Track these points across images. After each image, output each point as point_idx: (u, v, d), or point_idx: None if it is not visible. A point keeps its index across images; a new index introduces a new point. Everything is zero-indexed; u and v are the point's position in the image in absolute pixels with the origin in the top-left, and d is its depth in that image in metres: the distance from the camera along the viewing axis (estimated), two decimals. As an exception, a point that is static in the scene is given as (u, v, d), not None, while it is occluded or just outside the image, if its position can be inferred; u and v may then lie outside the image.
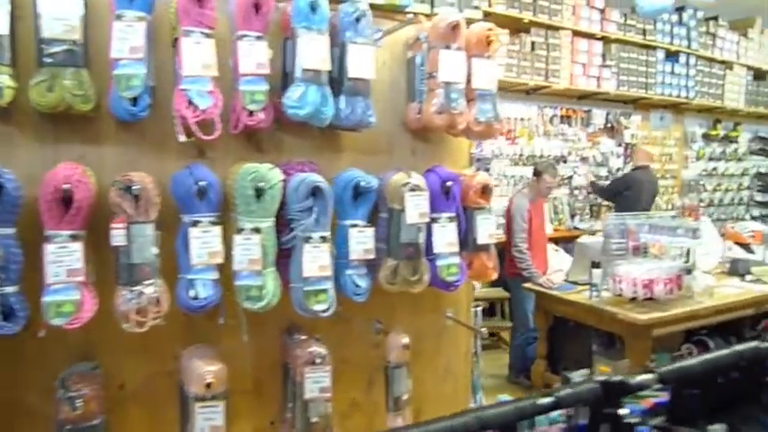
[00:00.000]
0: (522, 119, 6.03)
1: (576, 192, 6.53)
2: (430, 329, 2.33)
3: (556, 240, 5.59)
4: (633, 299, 3.40)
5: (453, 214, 2.02)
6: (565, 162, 6.42)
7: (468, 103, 2.06)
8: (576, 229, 6.42)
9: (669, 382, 1.12)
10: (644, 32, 6.66)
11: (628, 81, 6.55)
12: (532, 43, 5.64)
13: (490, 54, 2.08)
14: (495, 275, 2.20)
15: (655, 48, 6.83)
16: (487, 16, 5.34)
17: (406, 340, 1.99)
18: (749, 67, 8.36)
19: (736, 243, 4.29)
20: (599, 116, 6.68)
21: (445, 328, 2.36)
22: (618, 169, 7.04)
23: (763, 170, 9.48)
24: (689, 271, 3.46)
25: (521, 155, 6.02)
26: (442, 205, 2.00)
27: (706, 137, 8.51)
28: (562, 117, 6.42)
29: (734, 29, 8.23)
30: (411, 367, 2.04)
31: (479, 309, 2.64)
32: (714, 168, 8.73)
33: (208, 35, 1.56)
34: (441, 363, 2.37)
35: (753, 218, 9.23)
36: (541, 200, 4.62)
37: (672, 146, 7.98)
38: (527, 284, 4.24)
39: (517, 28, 5.61)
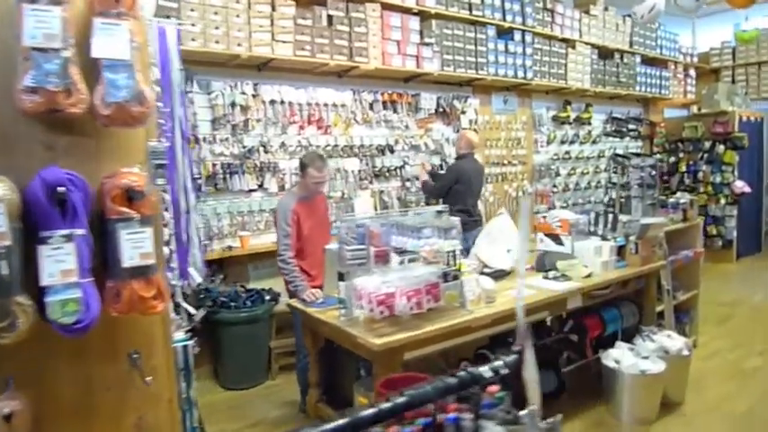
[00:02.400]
0: (335, 105, 5.62)
1: (408, 184, 6.26)
2: (108, 378, 1.92)
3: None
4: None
5: (75, 231, 1.60)
6: (392, 152, 6.12)
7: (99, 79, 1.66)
8: (408, 225, 6.11)
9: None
10: (469, 7, 6.44)
11: (454, 61, 6.28)
12: (329, 17, 5.23)
13: (122, 11, 1.68)
14: (160, 306, 1.79)
15: (484, 24, 6.64)
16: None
17: (6, 410, 1.55)
18: (593, 46, 8.53)
19: (547, 235, 4.12)
20: (429, 100, 6.42)
21: (135, 374, 1.98)
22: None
23: (619, 151, 9.87)
24: (455, 277, 3.03)
25: (335, 146, 5.62)
26: (55, 220, 1.57)
27: (556, 119, 8.66)
28: (385, 102, 6.06)
29: (577, 6, 8.38)
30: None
31: (191, 343, 2.24)
32: (567, 152, 8.93)
33: None
34: (129, 420, 1.98)
35: (611, 200, 9.63)
36: (320, 197, 4.22)
37: (519, 130, 8.00)
38: (291, 300, 3.80)
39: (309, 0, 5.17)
